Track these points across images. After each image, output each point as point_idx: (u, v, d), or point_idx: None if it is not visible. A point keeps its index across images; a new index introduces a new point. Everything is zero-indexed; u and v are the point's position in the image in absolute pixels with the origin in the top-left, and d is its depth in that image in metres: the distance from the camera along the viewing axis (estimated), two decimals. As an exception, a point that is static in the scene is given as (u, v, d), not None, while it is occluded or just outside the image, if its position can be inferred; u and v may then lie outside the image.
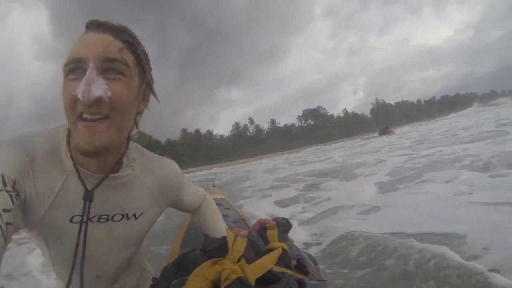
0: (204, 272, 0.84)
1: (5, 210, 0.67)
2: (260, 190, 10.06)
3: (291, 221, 1.22)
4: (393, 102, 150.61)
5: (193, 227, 2.10)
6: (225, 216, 2.17)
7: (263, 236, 1.08)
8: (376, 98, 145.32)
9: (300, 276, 0.98)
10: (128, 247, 1.02)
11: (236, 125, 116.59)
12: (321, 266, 2.96)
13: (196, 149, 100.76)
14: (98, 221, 0.89)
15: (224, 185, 14.11)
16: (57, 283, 1.04)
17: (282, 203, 7.08)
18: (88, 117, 0.72)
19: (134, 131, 0.93)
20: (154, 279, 1.24)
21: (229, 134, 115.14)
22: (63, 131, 0.86)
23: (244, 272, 0.82)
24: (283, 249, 1.00)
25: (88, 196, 0.84)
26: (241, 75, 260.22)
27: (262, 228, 1.12)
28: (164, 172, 1.05)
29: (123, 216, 0.93)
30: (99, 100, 0.71)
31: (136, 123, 0.91)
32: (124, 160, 0.92)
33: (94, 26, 0.78)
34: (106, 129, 0.75)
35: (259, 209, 6.45)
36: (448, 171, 6.94)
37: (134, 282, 1.18)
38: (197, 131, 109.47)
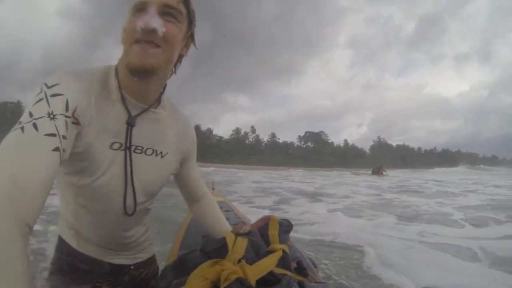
0: (204, 272, 0.86)
1: (63, 137, 0.78)
2: (244, 196, 11.77)
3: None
4: (394, 144, 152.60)
5: (193, 227, 2.18)
6: (226, 218, 2.23)
7: (264, 236, 1.11)
8: (379, 136, 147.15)
9: (300, 278, 1.03)
10: (153, 186, 1.09)
11: (237, 130, 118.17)
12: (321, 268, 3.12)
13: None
14: (134, 151, 0.98)
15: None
16: (64, 224, 1.11)
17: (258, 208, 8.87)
18: (144, 40, 0.86)
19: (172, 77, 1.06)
20: (152, 279, 1.23)
21: (229, 137, 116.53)
22: (109, 67, 0.99)
23: (244, 273, 0.83)
24: (283, 251, 1.02)
25: (131, 121, 0.95)
26: (252, 83, 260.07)
27: (264, 227, 1.15)
28: (186, 124, 1.19)
29: (153, 151, 1.03)
30: (154, 31, 0.85)
31: (175, 68, 1.04)
32: (161, 100, 1.05)
33: None
34: (156, 54, 0.88)
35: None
36: (382, 213, 8.83)
37: (143, 238, 1.23)
38: (197, 126, 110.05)
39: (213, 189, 4.44)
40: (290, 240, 1.27)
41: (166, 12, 0.88)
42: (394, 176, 27.08)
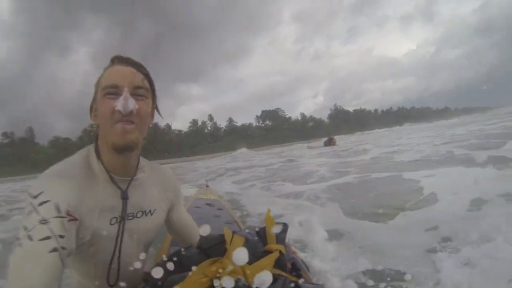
0: (204, 270, 0.87)
1: (60, 236, 0.81)
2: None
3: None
4: (351, 109, 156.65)
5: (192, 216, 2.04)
6: (217, 217, 2.57)
7: (262, 235, 1.15)
8: (335, 104, 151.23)
9: (294, 279, 1.02)
10: (148, 241, 1.21)
11: (194, 122, 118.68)
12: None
13: (153, 143, 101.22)
14: (127, 219, 1.08)
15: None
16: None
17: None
18: (124, 119, 0.97)
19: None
20: (146, 273, 1.15)
21: (187, 130, 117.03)
22: (87, 150, 1.09)
23: (244, 273, 0.85)
24: (280, 252, 1.06)
25: (124, 195, 1.06)
26: (203, 72, 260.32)
27: (261, 228, 1.18)
28: (166, 177, 1.31)
29: (143, 212, 1.14)
30: (131, 112, 0.97)
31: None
32: (139, 165, 1.16)
33: (120, 60, 1.04)
34: (134, 130, 0.99)
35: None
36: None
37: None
38: (155, 124, 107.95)
39: (207, 187, 4.59)
40: (286, 242, 1.28)
41: (135, 93, 1.02)
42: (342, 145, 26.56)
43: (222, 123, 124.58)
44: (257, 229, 1.21)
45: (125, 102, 0.96)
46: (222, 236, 1.05)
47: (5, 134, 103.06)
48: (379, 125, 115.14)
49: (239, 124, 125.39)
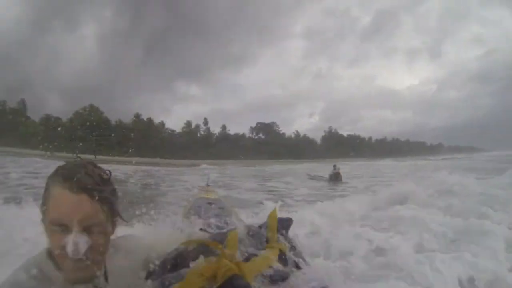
0: (201, 269, 0.89)
1: None
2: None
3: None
4: (345, 134, 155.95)
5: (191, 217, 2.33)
6: (218, 216, 2.62)
7: (263, 232, 1.16)
8: (330, 126, 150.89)
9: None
10: None
11: (188, 124, 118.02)
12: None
13: (145, 139, 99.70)
14: None
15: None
16: None
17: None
18: (75, 258, 0.90)
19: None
20: (148, 272, 1.21)
21: (181, 130, 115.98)
22: (40, 257, 1.03)
23: (240, 270, 0.86)
24: (281, 248, 1.08)
25: None
26: (204, 72, 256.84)
27: (264, 224, 1.19)
28: (127, 248, 1.22)
29: None
30: (84, 252, 0.90)
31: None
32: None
33: (69, 185, 0.93)
34: (89, 267, 0.92)
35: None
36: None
37: None
38: (150, 120, 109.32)
39: (208, 185, 4.73)
40: (289, 237, 1.28)
41: (87, 227, 0.94)
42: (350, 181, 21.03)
43: (216, 129, 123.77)
44: (260, 225, 1.23)
45: (75, 248, 0.90)
46: (219, 235, 1.09)
47: None
48: (372, 155, 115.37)
49: (232, 132, 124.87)
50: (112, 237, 1.15)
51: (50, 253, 1.02)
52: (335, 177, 22.58)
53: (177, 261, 1.07)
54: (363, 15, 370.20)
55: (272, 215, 1.19)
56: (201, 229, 1.63)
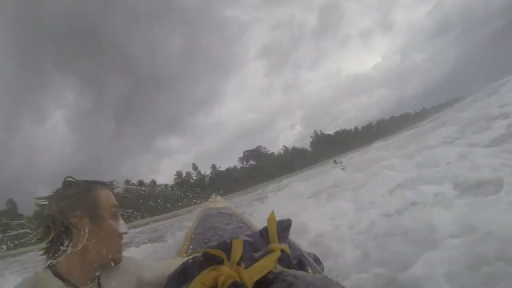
0: (202, 279, 0.89)
1: None
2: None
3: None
4: (332, 132, 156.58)
5: (198, 233, 2.40)
6: (228, 224, 2.67)
7: (264, 236, 1.15)
8: (315, 130, 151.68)
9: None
10: None
11: (179, 174, 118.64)
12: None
13: (141, 202, 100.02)
14: None
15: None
16: None
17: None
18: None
19: None
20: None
21: (173, 182, 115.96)
22: (42, 273, 1.07)
23: (240, 276, 0.86)
24: (282, 250, 1.04)
25: None
26: (179, 122, 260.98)
27: (264, 228, 1.18)
28: (123, 273, 1.23)
29: None
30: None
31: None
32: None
33: (104, 184, 1.09)
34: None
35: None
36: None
37: None
38: (140, 182, 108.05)
39: (216, 195, 4.80)
40: (291, 239, 1.27)
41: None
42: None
43: (207, 170, 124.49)
44: (260, 229, 1.23)
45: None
46: (224, 243, 1.08)
47: None
48: (361, 143, 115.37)
49: (223, 169, 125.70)
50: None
51: (56, 271, 1.08)
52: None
53: (183, 276, 1.10)
54: (308, 16, 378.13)
55: (271, 217, 1.20)
56: (206, 242, 1.69)
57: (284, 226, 1.19)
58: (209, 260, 1.02)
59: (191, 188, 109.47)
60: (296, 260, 1.12)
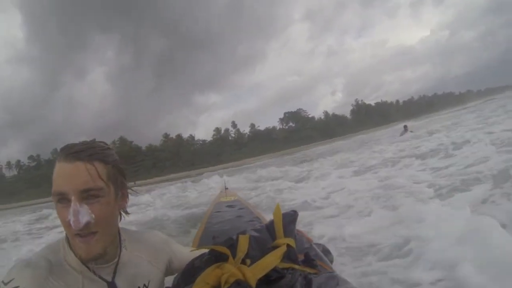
0: (206, 277, 0.89)
1: None
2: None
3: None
4: (372, 103, 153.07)
5: (212, 221, 2.38)
6: (239, 217, 2.58)
7: (270, 230, 1.14)
8: (356, 99, 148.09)
9: (308, 270, 1.03)
10: None
11: (217, 130, 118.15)
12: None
13: (177, 155, 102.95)
14: None
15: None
16: None
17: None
18: (81, 233, 0.90)
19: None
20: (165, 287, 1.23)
21: (211, 138, 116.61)
22: (62, 242, 1.02)
23: (243, 274, 0.85)
24: (288, 245, 1.05)
25: (112, 286, 1.01)
26: (219, 80, 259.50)
27: (270, 222, 1.17)
28: (149, 242, 1.20)
29: None
30: (87, 223, 0.88)
31: (121, 214, 1.08)
32: (121, 244, 1.09)
33: (65, 155, 0.92)
34: (97, 242, 0.92)
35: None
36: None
37: None
38: (179, 136, 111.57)
39: (226, 188, 4.77)
40: (298, 231, 1.26)
41: (87, 196, 0.91)
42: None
43: (246, 128, 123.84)
44: (266, 224, 1.18)
45: (75, 218, 0.87)
46: (230, 240, 1.05)
47: (31, 158, 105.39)
48: (402, 116, 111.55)
49: (262, 128, 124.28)
50: (138, 228, 1.27)
51: (69, 242, 1.00)
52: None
53: (191, 274, 1.05)
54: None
55: (276, 211, 1.15)
56: (214, 237, 1.49)
57: (290, 219, 1.18)
58: (215, 257, 1.01)
59: (229, 146, 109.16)
60: (303, 254, 1.13)
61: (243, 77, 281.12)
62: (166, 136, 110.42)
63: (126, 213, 1.12)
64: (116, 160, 1.03)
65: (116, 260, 1.05)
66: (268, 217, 2.53)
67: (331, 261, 1.40)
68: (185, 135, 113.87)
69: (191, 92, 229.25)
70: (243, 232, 1.11)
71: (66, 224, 0.90)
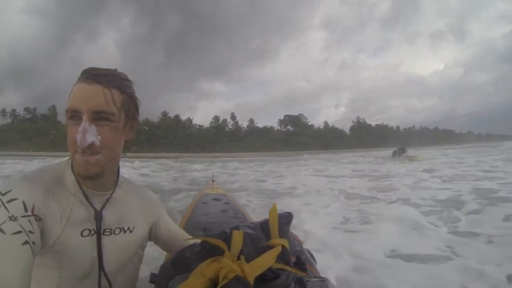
0: (203, 270, 0.88)
1: (30, 232, 0.84)
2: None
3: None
4: (373, 124, 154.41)
5: (197, 213, 2.33)
6: (224, 211, 2.49)
7: (264, 229, 1.12)
8: (358, 116, 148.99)
9: (299, 273, 1.04)
10: (127, 258, 1.13)
11: (216, 118, 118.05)
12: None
13: (173, 135, 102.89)
14: (103, 233, 1.04)
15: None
16: None
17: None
18: (85, 152, 0.92)
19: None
20: (153, 275, 1.25)
21: (209, 125, 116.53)
22: (64, 162, 1.05)
23: (242, 271, 0.85)
24: (283, 246, 1.04)
25: (99, 216, 1.02)
26: (227, 69, 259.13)
27: (265, 220, 1.15)
28: (145, 194, 1.24)
29: (121, 229, 1.09)
30: (92, 143, 0.91)
31: (125, 149, 1.08)
32: (118, 181, 1.12)
33: (86, 77, 0.94)
34: (98, 161, 0.93)
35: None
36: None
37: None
38: (177, 117, 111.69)
39: (213, 181, 4.49)
40: (291, 233, 1.24)
41: (98, 118, 0.92)
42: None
43: (244, 123, 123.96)
44: (260, 222, 1.16)
45: (83, 136, 0.90)
46: (225, 233, 1.03)
47: (27, 109, 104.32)
48: (400, 143, 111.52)
49: (260, 126, 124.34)
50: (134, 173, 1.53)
51: (72, 164, 1.02)
52: (401, 151, 25.41)
53: (180, 265, 1.04)
54: (381, 1, 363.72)
55: (272, 211, 1.12)
56: (205, 229, 1.55)
57: (286, 221, 1.16)
58: (209, 250, 1.00)
59: (225, 136, 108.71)
60: (295, 257, 1.14)
61: (252, 72, 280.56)
62: (165, 114, 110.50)
63: (133, 145, 1.13)
64: (133, 93, 1.04)
65: (110, 192, 1.07)
66: (252, 215, 2.59)
67: (315, 267, 1.38)
68: (184, 117, 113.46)
69: (197, 76, 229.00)
70: (237, 228, 1.07)
71: (73, 141, 0.92)
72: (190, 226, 2.06)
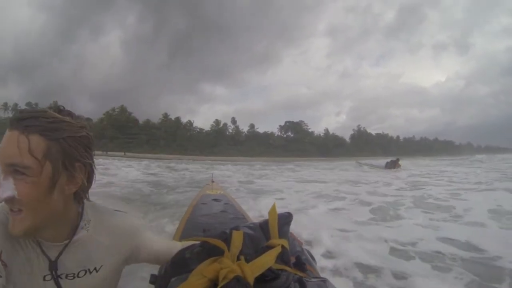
0: (203, 270, 0.88)
1: None
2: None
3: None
4: (373, 132, 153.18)
5: (196, 214, 2.33)
6: (224, 212, 2.48)
7: (264, 229, 1.12)
8: (359, 125, 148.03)
9: (298, 273, 1.03)
10: None
11: (217, 122, 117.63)
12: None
13: (173, 137, 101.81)
14: (66, 278, 0.99)
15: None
16: None
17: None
18: (12, 208, 0.85)
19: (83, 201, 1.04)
20: (152, 275, 1.26)
21: (209, 129, 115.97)
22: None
23: (242, 271, 0.85)
24: (283, 246, 1.04)
25: (53, 266, 0.96)
26: (229, 73, 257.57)
27: (264, 221, 1.15)
28: (118, 225, 1.12)
29: (86, 271, 1.03)
30: (11, 199, 0.82)
31: (81, 197, 1.00)
32: (81, 222, 1.02)
33: (10, 121, 0.85)
34: (21, 221, 0.85)
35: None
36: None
37: None
38: (178, 119, 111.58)
39: (212, 182, 4.46)
40: (291, 233, 1.25)
41: (13, 170, 0.82)
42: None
43: (244, 127, 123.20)
44: (260, 222, 1.17)
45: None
46: (224, 234, 1.04)
47: (29, 104, 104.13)
48: (401, 153, 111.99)
49: (260, 131, 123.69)
50: (103, 205, 1.14)
51: None
52: (392, 165, 24.08)
53: (180, 265, 1.05)
54: (386, 11, 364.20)
55: (272, 211, 1.15)
56: (204, 230, 1.58)
57: (285, 221, 1.17)
58: (208, 250, 1.00)
59: (225, 140, 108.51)
60: (294, 257, 1.14)
61: (253, 76, 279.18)
62: (165, 115, 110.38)
63: (84, 197, 1.01)
64: (71, 137, 0.89)
65: (66, 241, 0.99)
66: (252, 215, 2.68)
67: (315, 268, 1.37)
68: (184, 119, 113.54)
69: (199, 79, 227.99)
70: (236, 228, 1.08)
71: None
72: (190, 226, 2.06)
